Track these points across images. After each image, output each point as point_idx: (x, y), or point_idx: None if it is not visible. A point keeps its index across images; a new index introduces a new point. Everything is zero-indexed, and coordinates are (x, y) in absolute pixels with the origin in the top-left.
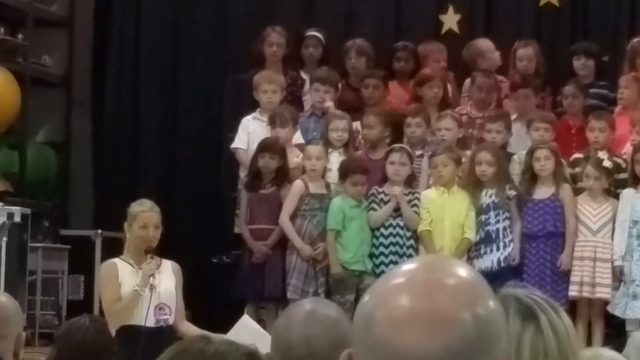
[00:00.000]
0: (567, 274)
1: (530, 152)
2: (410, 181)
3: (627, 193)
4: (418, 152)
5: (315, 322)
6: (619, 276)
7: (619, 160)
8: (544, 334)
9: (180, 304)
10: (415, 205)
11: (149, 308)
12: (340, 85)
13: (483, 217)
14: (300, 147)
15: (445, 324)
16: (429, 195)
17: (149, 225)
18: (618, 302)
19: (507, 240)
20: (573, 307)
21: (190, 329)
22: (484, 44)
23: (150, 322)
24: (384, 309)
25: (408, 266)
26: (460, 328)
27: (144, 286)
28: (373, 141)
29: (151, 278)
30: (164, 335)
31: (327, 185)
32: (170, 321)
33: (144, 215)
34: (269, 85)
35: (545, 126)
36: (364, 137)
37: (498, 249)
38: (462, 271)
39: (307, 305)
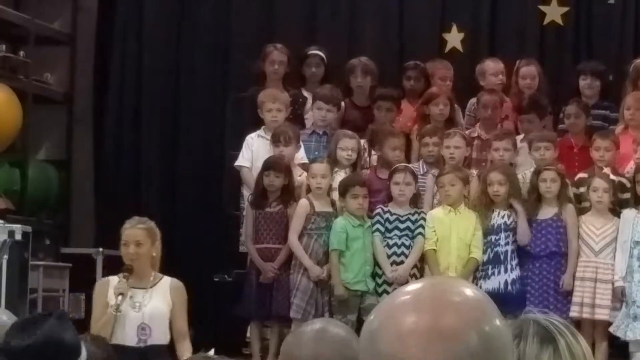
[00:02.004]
0: (570, 294)
1: (537, 173)
2: (416, 200)
3: (627, 213)
4: (433, 171)
5: (325, 341)
6: (620, 297)
7: (623, 180)
8: (562, 357)
9: (179, 324)
10: (421, 225)
11: (125, 327)
12: (343, 104)
13: (493, 237)
14: (304, 166)
15: (451, 338)
16: (436, 214)
17: (129, 242)
18: (620, 324)
19: (514, 263)
20: (577, 328)
21: (182, 352)
22: (489, 65)
23: (132, 342)
24: (390, 325)
25: (414, 285)
26: (465, 343)
27: (116, 307)
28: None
29: (119, 297)
30: (142, 355)
31: (333, 203)
32: (150, 341)
33: (125, 233)
34: (273, 104)
35: (545, 145)
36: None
37: (506, 270)
38: (468, 290)
39: (317, 324)
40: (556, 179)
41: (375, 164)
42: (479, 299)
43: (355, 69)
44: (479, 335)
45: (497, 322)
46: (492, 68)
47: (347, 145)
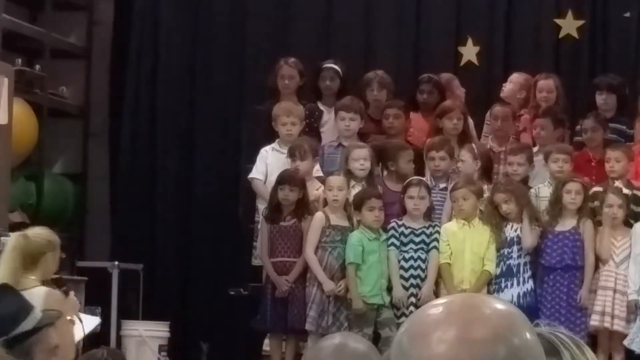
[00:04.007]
0: (584, 307)
1: (562, 184)
2: (429, 213)
3: (639, 227)
4: (442, 185)
5: (344, 356)
6: (633, 310)
7: (638, 193)
8: None
9: None
10: (435, 239)
11: None
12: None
13: (506, 250)
14: (321, 179)
15: (479, 349)
16: (450, 228)
17: None
18: (634, 337)
19: (526, 275)
20: (594, 340)
21: None
22: (513, 74)
23: None
24: (420, 336)
25: (446, 298)
26: (493, 354)
27: None
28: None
29: None
30: None
31: (350, 218)
32: None
33: None
34: (287, 118)
35: (564, 157)
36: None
37: (518, 283)
38: (499, 303)
39: (337, 339)
40: (581, 191)
41: (383, 177)
42: (509, 312)
43: (372, 82)
44: (507, 347)
45: (527, 335)
46: (513, 76)
47: (359, 155)
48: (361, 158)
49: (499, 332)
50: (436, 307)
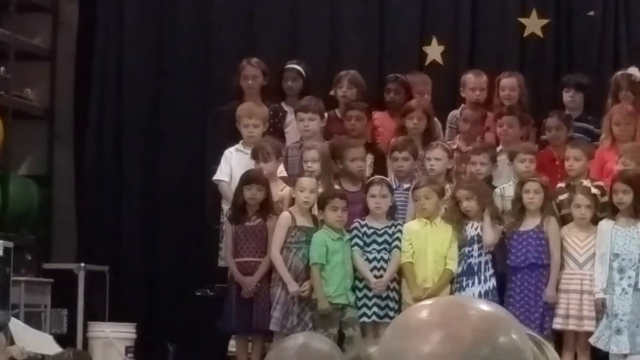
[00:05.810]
0: (552, 305)
1: (521, 184)
2: (392, 212)
3: (604, 225)
4: (406, 185)
5: (307, 356)
6: (600, 309)
7: (604, 185)
8: None
9: None
10: (397, 238)
11: None
12: (326, 115)
13: (466, 249)
14: (285, 179)
15: (458, 340)
16: (412, 227)
17: None
18: (600, 335)
19: (488, 274)
20: (560, 339)
21: None
22: (470, 78)
23: None
24: (405, 334)
25: (431, 300)
26: (474, 348)
27: None
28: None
29: None
30: None
31: (315, 220)
32: None
33: None
34: (249, 120)
35: (530, 157)
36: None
37: (479, 282)
38: (484, 304)
39: (300, 339)
40: (539, 190)
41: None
42: (494, 312)
43: (342, 80)
44: (492, 347)
45: (514, 335)
46: (472, 82)
47: (307, 156)
48: (309, 160)
49: (483, 332)
50: (421, 308)
